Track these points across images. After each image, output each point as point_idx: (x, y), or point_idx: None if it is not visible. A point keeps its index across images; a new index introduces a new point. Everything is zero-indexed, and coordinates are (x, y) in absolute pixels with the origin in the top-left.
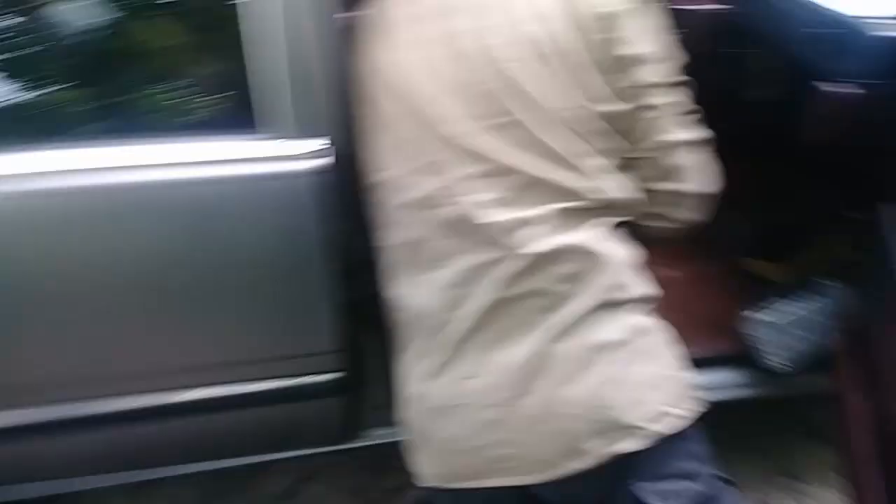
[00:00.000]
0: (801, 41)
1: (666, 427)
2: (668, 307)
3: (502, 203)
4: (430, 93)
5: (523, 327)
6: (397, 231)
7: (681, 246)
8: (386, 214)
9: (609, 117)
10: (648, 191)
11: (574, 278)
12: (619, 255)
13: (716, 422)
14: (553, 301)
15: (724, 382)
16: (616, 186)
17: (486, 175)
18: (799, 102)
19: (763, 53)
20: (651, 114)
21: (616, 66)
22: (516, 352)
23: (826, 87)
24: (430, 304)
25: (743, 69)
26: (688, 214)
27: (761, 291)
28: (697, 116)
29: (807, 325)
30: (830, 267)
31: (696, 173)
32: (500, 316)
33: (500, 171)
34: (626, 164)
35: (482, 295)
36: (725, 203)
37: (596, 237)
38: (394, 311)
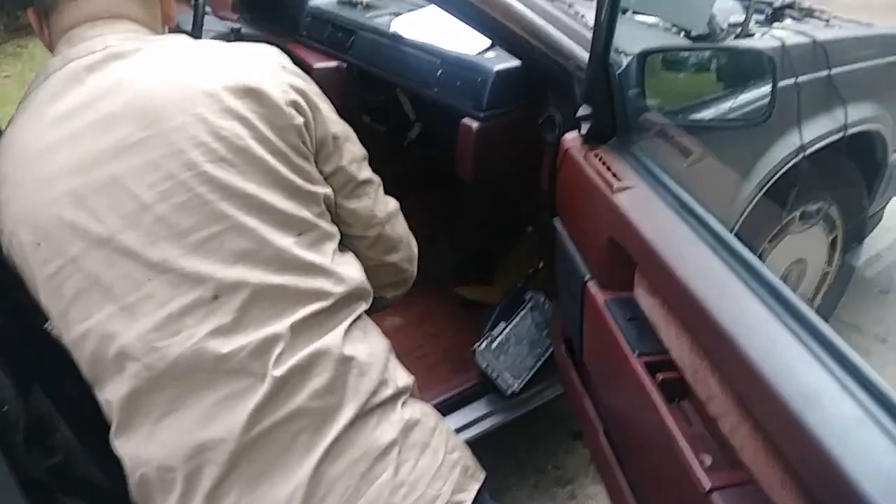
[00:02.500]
0: (434, 83)
1: None
2: (407, 356)
3: (235, 325)
4: (116, 217)
5: (289, 455)
6: (117, 384)
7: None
8: (97, 368)
9: (328, 201)
10: (376, 267)
11: (332, 389)
12: (374, 349)
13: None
14: (314, 419)
15: (484, 412)
16: (355, 271)
17: (210, 299)
18: (448, 139)
19: (403, 98)
20: (367, 189)
21: (321, 148)
22: (283, 486)
23: (467, 121)
24: (173, 454)
25: (391, 116)
26: (411, 277)
27: (482, 318)
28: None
29: (527, 339)
30: (528, 279)
31: (410, 236)
32: (261, 448)
33: (225, 290)
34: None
35: (235, 430)
36: (426, 239)
37: (347, 337)
38: (128, 473)
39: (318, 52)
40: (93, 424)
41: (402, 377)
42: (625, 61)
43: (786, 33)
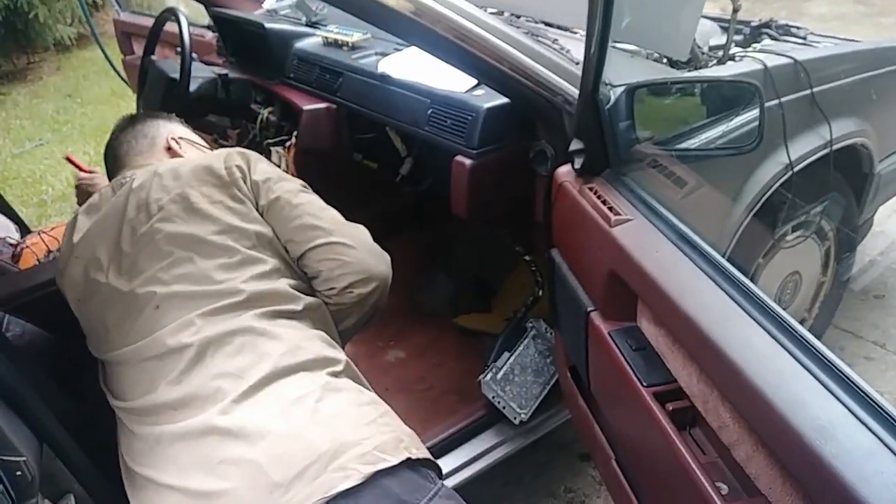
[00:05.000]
0: (425, 122)
1: None
2: (411, 389)
3: (160, 319)
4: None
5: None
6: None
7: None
8: None
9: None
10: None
11: (240, 352)
12: (299, 333)
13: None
14: (229, 377)
15: (494, 442)
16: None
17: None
18: (440, 173)
19: (394, 135)
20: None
21: (255, 188)
22: None
23: (460, 159)
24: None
25: (382, 153)
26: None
27: (482, 347)
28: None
29: (532, 368)
30: (528, 307)
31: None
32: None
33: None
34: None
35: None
36: (424, 272)
37: (260, 321)
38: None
39: (305, 93)
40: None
41: (333, 355)
42: (612, 94)
43: (766, 55)
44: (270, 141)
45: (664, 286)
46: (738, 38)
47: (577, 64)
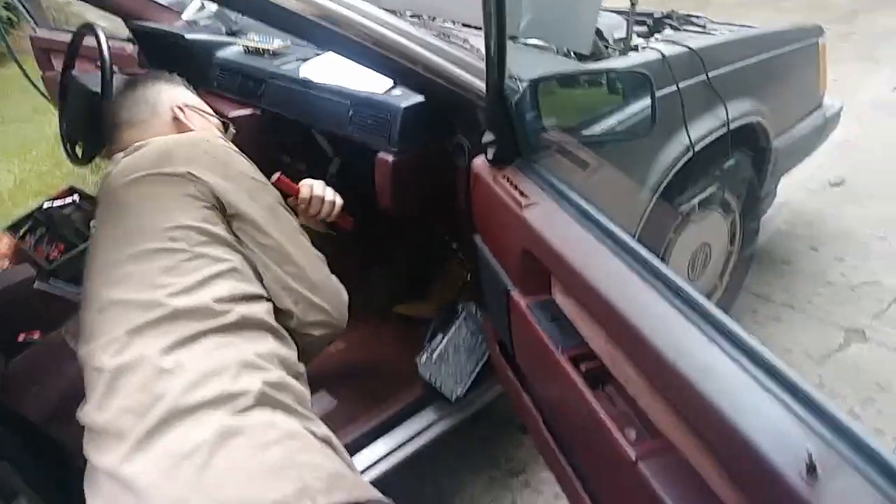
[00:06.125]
0: (347, 123)
1: None
2: (355, 376)
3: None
4: None
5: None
6: None
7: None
8: None
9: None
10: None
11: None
12: (215, 361)
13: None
14: (131, 413)
15: (433, 419)
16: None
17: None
18: (366, 171)
19: (319, 136)
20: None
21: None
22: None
23: (382, 156)
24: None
25: (309, 154)
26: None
27: (422, 334)
28: None
29: (464, 347)
30: (459, 292)
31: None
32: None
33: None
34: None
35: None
36: (361, 268)
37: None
38: None
39: (229, 101)
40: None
41: (241, 388)
42: (521, 87)
43: (664, 45)
44: None
45: (570, 260)
46: (642, 29)
47: None
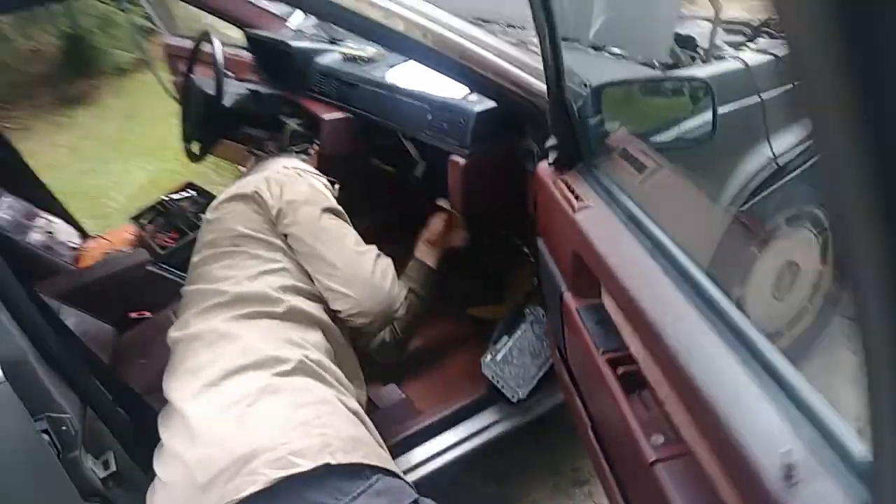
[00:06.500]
0: (426, 126)
1: None
2: (427, 373)
3: None
4: None
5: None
6: None
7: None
8: None
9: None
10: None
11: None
12: (261, 335)
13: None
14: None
15: (494, 419)
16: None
17: None
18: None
19: (407, 141)
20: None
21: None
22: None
23: (454, 158)
24: None
25: (398, 158)
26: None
27: (490, 333)
28: None
29: (529, 351)
30: (528, 295)
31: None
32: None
33: None
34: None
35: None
36: (443, 267)
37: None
38: None
39: (326, 104)
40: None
41: (285, 355)
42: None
43: (751, 54)
44: (295, 149)
45: (610, 263)
46: (740, 38)
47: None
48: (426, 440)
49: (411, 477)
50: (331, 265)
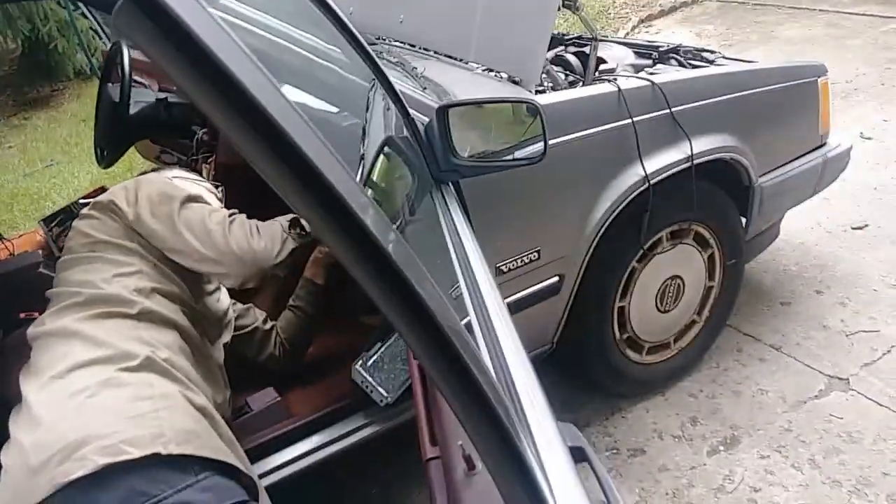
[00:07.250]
0: None
1: None
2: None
3: None
4: None
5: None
6: None
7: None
8: None
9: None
10: None
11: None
12: (103, 331)
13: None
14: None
15: (362, 423)
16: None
17: None
18: None
19: None
20: None
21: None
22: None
23: None
24: None
25: None
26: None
27: (368, 341)
28: None
29: (401, 357)
30: None
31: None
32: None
33: None
34: None
35: None
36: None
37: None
38: None
39: None
40: None
41: (133, 350)
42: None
43: (626, 80)
44: (197, 157)
45: None
46: (647, 62)
47: (425, 90)
48: (294, 442)
49: (275, 476)
50: (196, 252)
